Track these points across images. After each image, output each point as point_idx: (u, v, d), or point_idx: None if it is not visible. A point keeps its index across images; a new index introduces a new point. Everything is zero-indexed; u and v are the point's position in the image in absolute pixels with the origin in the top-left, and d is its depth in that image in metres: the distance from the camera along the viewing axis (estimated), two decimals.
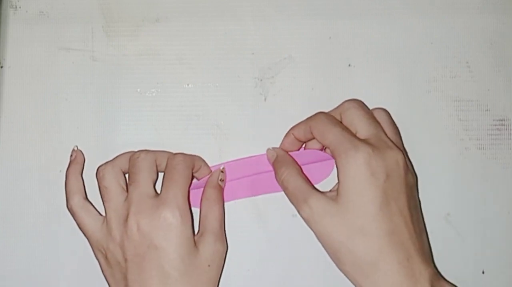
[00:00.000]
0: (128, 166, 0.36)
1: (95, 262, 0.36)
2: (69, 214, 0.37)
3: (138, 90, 0.40)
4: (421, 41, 0.40)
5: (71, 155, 0.38)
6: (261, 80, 0.40)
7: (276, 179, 0.36)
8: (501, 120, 0.39)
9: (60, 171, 0.39)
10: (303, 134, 0.37)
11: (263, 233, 0.39)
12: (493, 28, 0.40)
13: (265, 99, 0.40)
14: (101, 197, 0.36)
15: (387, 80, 0.40)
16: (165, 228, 0.33)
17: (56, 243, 0.39)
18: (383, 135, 0.34)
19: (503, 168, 0.39)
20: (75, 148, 0.39)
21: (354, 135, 0.34)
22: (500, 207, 0.39)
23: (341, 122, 0.36)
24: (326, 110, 0.39)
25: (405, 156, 0.34)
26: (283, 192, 0.36)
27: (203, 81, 0.40)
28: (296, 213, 0.38)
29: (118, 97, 0.40)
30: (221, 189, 0.37)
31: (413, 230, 0.32)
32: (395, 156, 0.33)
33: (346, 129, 0.34)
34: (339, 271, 0.38)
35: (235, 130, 0.39)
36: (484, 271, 0.38)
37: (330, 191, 0.37)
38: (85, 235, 0.36)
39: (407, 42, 0.40)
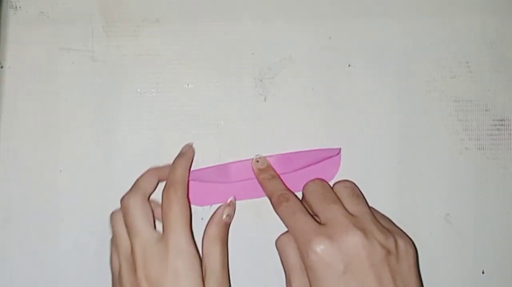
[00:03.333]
0: (122, 213, 0.35)
1: (96, 262, 0.36)
2: (72, 214, 0.37)
3: (138, 90, 0.40)
4: (421, 41, 0.40)
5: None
6: (261, 80, 0.40)
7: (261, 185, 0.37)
8: (501, 120, 0.39)
9: (60, 171, 0.39)
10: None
11: (263, 233, 0.39)
12: (493, 28, 0.40)
13: (265, 99, 0.40)
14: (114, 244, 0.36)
15: (387, 80, 0.40)
16: (174, 277, 0.33)
17: (56, 243, 0.39)
18: (363, 213, 0.34)
19: (503, 168, 0.39)
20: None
21: (313, 222, 0.33)
22: (500, 207, 0.39)
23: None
24: (326, 110, 0.39)
25: (373, 232, 0.33)
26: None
27: (203, 81, 0.40)
28: None
29: (118, 97, 0.40)
30: (225, 226, 0.37)
31: None
32: (352, 240, 0.32)
33: (311, 219, 0.34)
34: None
35: (235, 130, 0.39)
36: (484, 271, 0.38)
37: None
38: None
39: (407, 42, 0.40)
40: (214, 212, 0.37)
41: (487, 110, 0.40)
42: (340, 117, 0.39)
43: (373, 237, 0.32)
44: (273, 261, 0.38)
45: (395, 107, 0.39)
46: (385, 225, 0.34)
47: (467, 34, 0.40)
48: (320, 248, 0.31)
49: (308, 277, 0.33)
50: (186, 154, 0.38)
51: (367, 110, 0.39)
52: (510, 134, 0.39)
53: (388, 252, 0.32)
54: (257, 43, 0.40)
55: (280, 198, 0.35)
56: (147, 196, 0.36)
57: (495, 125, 0.39)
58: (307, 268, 0.32)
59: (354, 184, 0.37)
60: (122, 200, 0.35)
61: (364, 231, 0.32)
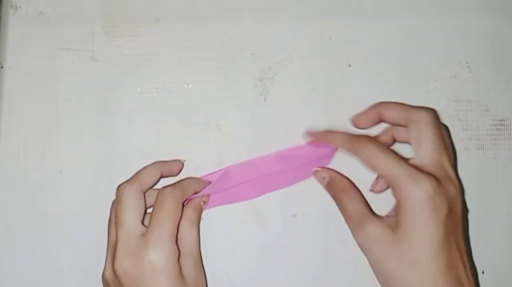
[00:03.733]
0: (115, 199, 0.35)
1: (96, 262, 0.36)
2: (70, 214, 0.37)
3: (138, 90, 0.40)
4: (421, 41, 0.40)
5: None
6: (261, 80, 0.40)
7: (335, 200, 0.36)
8: (501, 120, 0.39)
9: (60, 171, 0.39)
10: (345, 150, 0.36)
11: (263, 233, 0.39)
12: (493, 28, 0.40)
13: (265, 99, 0.40)
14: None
15: (387, 80, 0.40)
16: (151, 272, 0.32)
17: (56, 243, 0.39)
18: (446, 162, 0.33)
19: (503, 168, 0.39)
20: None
21: (412, 166, 0.33)
22: (500, 207, 0.39)
23: (393, 142, 0.36)
24: (326, 110, 0.39)
25: (461, 185, 0.34)
26: (287, 188, 0.37)
27: (203, 81, 0.40)
28: (296, 213, 0.38)
29: (118, 97, 0.40)
30: (201, 211, 0.37)
31: (468, 264, 0.32)
32: (455, 189, 0.33)
33: (401, 159, 0.33)
34: (338, 271, 0.38)
35: (235, 130, 0.39)
36: (484, 271, 0.38)
37: (387, 216, 0.35)
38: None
39: (407, 42, 0.40)
40: (192, 198, 0.37)
41: (487, 110, 0.40)
42: (340, 117, 0.39)
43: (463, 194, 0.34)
44: (273, 261, 0.38)
45: None
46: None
47: (467, 34, 0.40)
48: (432, 187, 0.31)
49: (399, 221, 0.32)
50: (204, 182, 0.38)
51: None
52: (510, 134, 0.39)
53: (467, 210, 0.36)
54: (257, 43, 0.40)
55: (362, 137, 0.35)
56: (144, 189, 0.35)
57: (495, 125, 0.39)
58: (406, 208, 0.32)
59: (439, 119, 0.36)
60: (118, 187, 0.35)
61: (460, 186, 0.33)
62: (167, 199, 0.34)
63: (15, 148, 0.39)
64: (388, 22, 0.40)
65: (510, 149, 0.39)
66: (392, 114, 0.36)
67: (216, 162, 0.39)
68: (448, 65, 0.40)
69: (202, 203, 0.37)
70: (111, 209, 0.36)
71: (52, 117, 0.40)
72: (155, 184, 0.36)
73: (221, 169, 0.38)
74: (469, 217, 0.38)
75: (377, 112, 0.37)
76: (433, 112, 0.35)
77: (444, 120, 0.39)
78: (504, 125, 0.39)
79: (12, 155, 0.39)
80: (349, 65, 0.40)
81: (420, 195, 0.31)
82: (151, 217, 0.34)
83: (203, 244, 0.37)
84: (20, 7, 0.41)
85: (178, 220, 0.34)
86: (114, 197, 0.37)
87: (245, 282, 0.38)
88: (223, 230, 0.38)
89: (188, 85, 0.40)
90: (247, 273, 0.38)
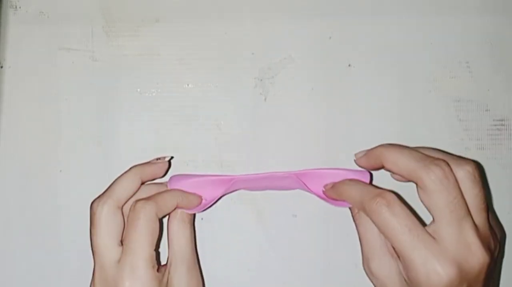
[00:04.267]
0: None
1: None
2: (70, 214, 0.37)
3: (138, 90, 0.40)
4: (421, 41, 0.40)
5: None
6: (261, 80, 0.40)
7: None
8: (501, 120, 0.39)
9: (60, 171, 0.39)
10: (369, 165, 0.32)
11: (263, 233, 0.39)
12: (493, 28, 0.40)
13: (265, 99, 0.40)
14: None
15: (387, 80, 0.40)
16: None
17: (56, 243, 0.39)
18: (468, 230, 0.29)
19: (503, 168, 0.39)
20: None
21: (429, 243, 0.29)
22: (500, 207, 0.39)
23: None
24: (326, 110, 0.39)
25: (492, 247, 0.30)
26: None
27: (203, 81, 0.40)
28: (296, 213, 0.39)
29: (118, 97, 0.40)
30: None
31: None
32: (479, 266, 0.29)
33: (418, 230, 0.29)
34: (338, 271, 0.38)
35: (235, 130, 0.39)
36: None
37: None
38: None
39: (407, 42, 0.40)
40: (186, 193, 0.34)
41: (487, 110, 0.40)
42: (340, 117, 0.39)
43: (493, 255, 0.30)
44: (273, 261, 0.38)
45: (395, 107, 0.39)
46: (490, 220, 0.31)
47: (467, 34, 0.40)
48: (448, 279, 0.28)
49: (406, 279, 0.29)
50: (187, 198, 0.34)
51: (367, 110, 0.39)
52: (510, 134, 0.39)
53: (495, 263, 0.30)
54: (257, 43, 0.40)
55: (377, 200, 0.30)
56: (121, 203, 0.32)
57: (495, 125, 0.39)
58: (414, 284, 0.29)
59: (480, 169, 0.32)
60: (91, 205, 0.32)
61: (490, 252, 0.29)
62: (139, 219, 0.31)
63: (15, 148, 0.39)
64: (388, 22, 0.40)
65: (510, 149, 0.39)
66: (398, 168, 0.31)
67: (216, 162, 0.39)
68: (448, 65, 0.40)
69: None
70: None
71: (52, 117, 0.40)
72: (133, 194, 0.34)
73: (229, 177, 0.35)
74: None
75: (380, 159, 0.32)
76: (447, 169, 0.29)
77: (444, 120, 0.39)
78: (504, 125, 0.39)
79: (12, 155, 0.39)
80: (349, 65, 0.40)
81: (434, 283, 0.28)
82: (124, 240, 0.31)
83: (203, 244, 0.37)
84: (20, 7, 0.41)
85: (156, 238, 0.31)
86: None
87: (245, 282, 0.38)
88: (223, 230, 0.38)
89: (188, 85, 0.40)
90: (247, 273, 0.38)
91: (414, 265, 0.28)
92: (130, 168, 0.34)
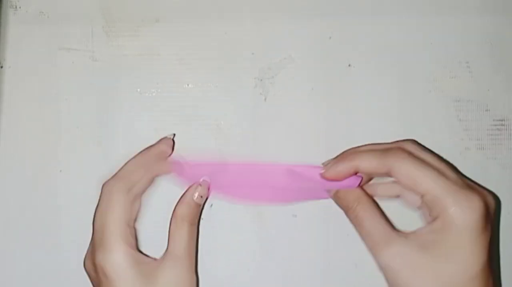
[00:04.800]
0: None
1: None
2: (70, 214, 0.37)
3: (138, 90, 0.40)
4: (421, 41, 0.40)
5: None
6: (261, 80, 0.40)
7: (346, 213, 0.32)
8: (501, 120, 0.39)
9: (60, 171, 0.39)
10: (374, 170, 0.31)
11: (263, 233, 0.39)
12: (493, 28, 0.40)
13: (265, 99, 0.40)
14: None
15: (387, 80, 0.40)
16: (104, 278, 0.32)
17: (56, 243, 0.39)
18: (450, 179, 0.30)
19: (503, 168, 0.39)
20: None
21: (458, 182, 0.30)
22: (500, 207, 0.39)
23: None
24: (326, 110, 0.39)
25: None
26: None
27: (203, 81, 0.40)
28: (296, 213, 0.38)
29: (118, 97, 0.40)
30: (196, 207, 0.34)
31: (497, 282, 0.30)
32: (493, 205, 0.30)
33: (442, 174, 0.30)
34: (338, 271, 0.38)
35: (235, 130, 0.39)
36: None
37: (413, 233, 0.31)
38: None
39: (407, 42, 0.40)
40: (185, 191, 0.34)
41: (487, 110, 0.40)
42: (340, 117, 0.39)
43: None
44: (273, 261, 0.38)
45: (395, 107, 0.39)
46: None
47: (467, 34, 0.40)
48: (484, 205, 0.28)
49: (440, 236, 0.29)
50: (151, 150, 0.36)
51: (367, 110, 0.39)
52: (510, 134, 0.39)
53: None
54: (257, 43, 0.40)
55: (398, 153, 0.31)
56: (134, 196, 0.34)
57: (495, 125, 0.39)
58: (451, 227, 0.28)
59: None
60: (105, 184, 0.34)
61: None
62: (104, 194, 0.33)
63: (15, 148, 0.39)
64: (388, 22, 0.40)
65: (510, 149, 0.39)
66: (367, 165, 0.31)
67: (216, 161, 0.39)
68: (448, 65, 0.40)
69: (197, 196, 0.34)
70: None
71: (52, 117, 0.40)
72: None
73: (220, 162, 0.36)
74: None
75: (350, 164, 0.32)
76: (411, 144, 0.32)
77: (444, 120, 0.39)
78: (504, 125, 0.39)
79: (12, 155, 0.39)
80: (349, 65, 0.40)
81: (469, 217, 0.28)
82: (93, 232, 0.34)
83: (203, 244, 0.37)
84: (20, 7, 0.41)
85: (128, 213, 0.32)
86: None
87: (245, 282, 0.38)
88: (223, 230, 0.38)
89: (188, 85, 0.40)
90: (247, 273, 0.38)
91: (447, 201, 0.28)
92: (138, 155, 0.35)
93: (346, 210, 0.32)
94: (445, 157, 0.39)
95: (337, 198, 0.33)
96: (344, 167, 0.32)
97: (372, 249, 0.30)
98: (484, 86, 0.40)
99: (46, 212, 0.39)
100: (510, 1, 0.40)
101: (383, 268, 0.30)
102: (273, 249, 0.39)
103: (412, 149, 0.31)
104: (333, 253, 0.38)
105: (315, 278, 0.38)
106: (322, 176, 0.33)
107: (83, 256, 0.37)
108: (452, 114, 0.40)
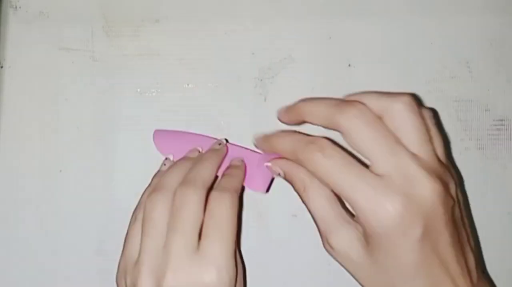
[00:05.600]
0: (173, 203, 0.30)
1: (95, 262, 0.36)
2: (72, 214, 0.37)
3: (138, 90, 0.40)
4: (421, 41, 0.40)
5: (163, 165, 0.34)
6: (261, 80, 0.40)
7: (300, 196, 0.31)
8: (501, 120, 0.39)
9: (60, 171, 0.39)
10: (321, 123, 0.29)
11: (263, 233, 0.39)
12: (493, 28, 0.40)
13: (265, 99, 0.40)
14: (142, 228, 0.30)
15: (387, 80, 0.40)
16: None
17: (56, 243, 0.39)
18: (407, 162, 0.26)
19: (503, 168, 0.39)
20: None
21: (374, 178, 0.26)
22: (500, 207, 0.39)
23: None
24: None
25: (443, 179, 0.27)
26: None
27: (203, 81, 0.40)
28: (296, 213, 0.39)
29: (118, 97, 0.40)
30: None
31: (459, 270, 0.27)
32: (431, 196, 0.26)
33: (360, 170, 0.27)
34: (339, 271, 0.38)
35: (235, 130, 0.39)
36: (484, 271, 0.38)
37: (356, 224, 0.29)
38: (123, 250, 0.31)
39: (407, 42, 0.40)
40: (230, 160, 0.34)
41: (487, 110, 0.40)
42: None
43: (447, 186, 0.27)
44: (273, 261, 0.38)
45: None
46: (442, 159, 0.28)
47: (467, 34, 0.40)
48: (395, 210, 0.25)
49: (367, 238, 0.27)
50: (241, 167, 0.34)
51: None
52: (510, 134, 0.39)
53: (454, 201, 0.27)
54: (257, 43, 0.40)
55: (310, 149, 0.28)
56: (207, 191, 0.31)
57: (495, 125, 0.39)
58: (371, 233, 0.27)
59: (418, 100, 0.28)
60: (182, 189, 0.30)
61: (441, 181, 0.26)
62: (227, 209, 0.29)
63: (15, 148, 0.39)
64: (388, 22, 0.40)
65: (510, 149, 0.39)
66: (316, 118, 0.29)
67: None
68: (448, 65, 0.40)
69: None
70: (152, 205, 0.30)
71: (52, 117, 0.40)
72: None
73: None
74: (469, 216, 0.38)
75: (298, 112, 0.30)
76: (411, 100, 0.27)
77: (444, 120, 0.39)
78: (504, 125, 0.39)
79: (12, 155, 0.39)
80: (349, 65, 0.40)
81: (382, 222, 0.26)
82: (207, 229, 0.29)
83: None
84: (20, 7, 0.41)
85: (236, 232, 0.30)
86: (114, 197, 0.37)
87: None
88: None
89: (188, 85, 0.40)
90: (247, 273, 0.38)
91: (359, 205, 0.26)
92: (208, 156, 0.33)
93: (298, 193, 0.31)
94: None
95: (288, 182, 0.31)
96: (290, 116, 0.30)
97: (320, 236, 0.29)
98: (484, 86, 0.40)
99: (46, 212, 0.39)
100: (510, 1, 0.40)
101: (332, 255, 0.29)
102: (273, 249, 0.39)
103: (372, 108, 0.27)
104: None
105: (315, 278, 0.38)
106: (256, 143, 0.32)
107: (83, 256, 0.37)
108: (452, 114, 0.40)
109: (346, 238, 0.28)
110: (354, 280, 0.38)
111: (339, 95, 0.39)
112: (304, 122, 0.31)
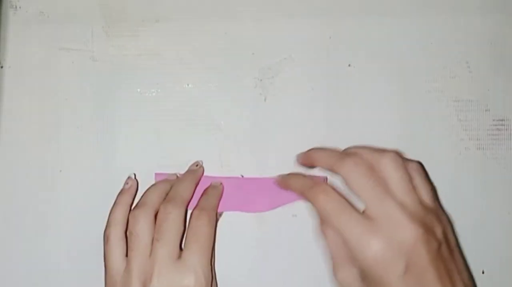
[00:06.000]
0: (158, 217, 0.35)
1: (95, 262, 0.36)
2: (72, 214, 0.37)
3: (138, 90, 0.40)
4: (421, 41, 0.40)
5: (126, 183, 0.38)
6: (261, 80, 0.40)
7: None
8: (501, 120, 0.39)
9: (60, 171, 0.39)
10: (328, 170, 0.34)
11: (263, 233, 0.39)
12: (493, 28, 0.40)
13: (265, 99, 0.40)
14: (128, 241, 0.35)
15: (387, 80, 0.40)
16: None
17: (56, 243, 0.39)
18: (391, 206, 0.31)
19: (503, 168, 0.39)
20: (132, 177, 0.38)
21: (362, 221, 0.31)
22: (500, 207, 0.39)
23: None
24: (326, 110, 0.39)
25: (427, 223, 0.31)
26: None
27: (203, 81, 0.40)
28: (296, 213, 0.39)
29: (118, 97, 0.40)
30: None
31: None
32: (412, 238, 0.30)
33: (353, 213, 0.31)
34: None
35: (235, 130, 0.39)
36: (484, 271, 0.38)
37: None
38: (106, 267, 0.35)
39: (407, 42, 0.40)
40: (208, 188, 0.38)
41: (487, 110, 0.40)
42: (340, 117, 0.39)
43: (430, 229, 0.31)
44: (273, 261, 0.38)
45: (395, 107, 0.39)
46: (430, 204, 0.32)
47: (467, 34, 0.40)
48: (379, 248, 0.30)
49: (363, 278, 0.31)
50: (218, 187, 0.38)
51: (367, 110, 0.39)
52: (510, 134, 0.39)
53: (440, 243, 0.31)
54: (257, 43, 0.40)
55: (316, 191, 0.33)
56: (186, 208, 0.36)
57: (495, 125, 0.39)
58: (361, 268, 0.31)
59: (401, 156, 0.33)
60: (165, 206, 0.35)
61: (423, 226, 0.30)
62: (206, 225, 0.35)
63: (15, 148, 0.39)
64: (388, 22, 0.40)
65: (510, 149, 0.39)
66: (322, 164, 0.35)
67: (216, 162, 0.39)
68: (448, 65, 0.40)
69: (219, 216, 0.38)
70: (134, 220, 0.34)
71: (52, 117, 0.40)
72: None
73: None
74: (469, 217, 0.38)
75: (310, 158, 0.36)
76: (398, 156, 0.33)
77: (444, 120, 0.39)
78: (504, 125, 0.39)
79: (12, 155, 0.39)
80: (349, 65, 0.40)
81: (368, 258, 0.30)
82: (186, 239, 0.34)
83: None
84: (20, 7, 0.41)
85: (213, 243, 0.35)
86: (114, 197, 0.37)
87: (245, 282, 0.38)
88: (223, 230, 0.38)
89: (188, 85, 0.40)
90: (247, 273, 0.38)
91: (351, 243, 0.31)
92: (186, 177, 0.38)
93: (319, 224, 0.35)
94: (445, 157, 0.39)
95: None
96: (304, 161, 0.37)
97: (332, 268, 0.34)
98: (484, 86, 0.40)
99: (46, 212, 0.39)
100: (510, 1, 0.40)
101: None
102: (273, 249, 0.38)
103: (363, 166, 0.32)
104: None
105: (315, 278, 0.38)
106: (276, 182, 0.38)
107: (83, 256, 0.37)
108: (452, 114, 0.40)
109: (349, 274, 0.32)
110: None
111: (339, 95, 0.39)
112: (315, 166, 0.37)
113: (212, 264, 0.35)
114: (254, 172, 0.39)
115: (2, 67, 0.40)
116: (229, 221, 0.38)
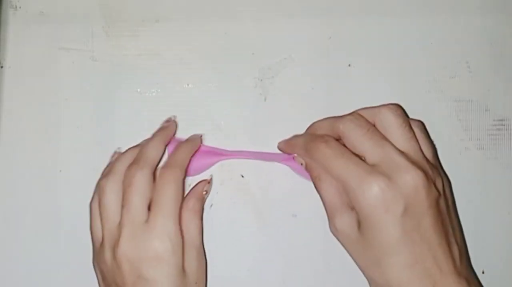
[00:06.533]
0: (123, 185, 0.34)
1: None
2: (72, 214, 0.37)
3: (138, 90, 0.40)
4: (421, 41, 0.40)
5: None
6: (261, 80, 0.40)
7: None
8: (501, 120, 0.39)
9: (60, 171, 0.39)
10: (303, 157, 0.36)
11: (263, 233, 0.39)
12: (493, 28, 0.40)
13: (265, 99, 0.40)
14: (100, 212, 0.35)
15: (387, 80, 0.40)
16: (154, 260, 0.32)
17: (56, 243, 0.39)
18: (392, 152, 0.31)
19: (503, 168, 0.39)
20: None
21: (363, 165, 0.31)
22: (500, 207, 0.39)
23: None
24: (326, 110, 0.39)
25: (428, 171, 0.31)
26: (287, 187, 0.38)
27: (203, 81, 0.40)
28: (296, 213, 0.39)
29: (118, 97, 0.40)
30: (203, 201, 0.37)
31: (441, 251, 0.31)
32: (413, 180, 0.30)
33: (354, 159, 0.32)
34: (338, 271, 0.38)
35: (235, 130, 0.39)
36: (484, 271, 0.38)
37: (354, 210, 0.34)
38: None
39: (407, 42, 0.40)
40: (194, 187, 0.37)
41: (487, 110, 0.40)
42: None
43: (430, 177, 0.31)
44: (273, 261, 0.38)
45: None
46: (431, 160, 0.33)
47: (467, 34, 0.40)
48: (379, 188, 0.30)
49: (359, 219, 0.31)
50: (194, 141, 0.38)
51: None
52: (510, 134, 0.39)
53: (439, 193, 0.31)
54: (257, 43, 0.40)
55: (317, 142, 0.33)
56: (153, 170, 0.35)
57: (495, 125, 0.39)
58: (360, 211, 0.31)
59: (403, 110, 0.34)
60: (129, 170, 0.34)
61: (423, 170, 0.31)
62: (170, 184, 0.33)
63: (15, 148, 0.39)
64: (388, 22, 0.40)
65: (510, 149, 0.39)
66: (323, 129, 0.35)
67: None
68: (448, 65, 0.40)
69: (205, 192, 0.37)
70: (101, 190, 0.35)
71: (52, 117, 0.40)
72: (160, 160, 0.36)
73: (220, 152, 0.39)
74: (469, 217, 0.38)
75: (312, 129, 0.37)
76: (397, 106, 0.33)
77: (444, 120, 0.39)
78: (504, 125, 0.39)
79: (12, 155, 0.39)
80: (349, 65, 0.40)
81: (368, 198, 0.30)
82: (154, 202, 0.33)
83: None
84: (20, 7, 0.41)
85: (181, 201, 0.34)
86: None
87: (245, 282, 0.38)
88: (223, 230, 0.38)
89: (188, 85, 0.40)
90: (247, 273, 0.38)
91: (350, 185, 0.31)
92: (155, 135, 0.37)
93: (313, 182, 0.35)
94: (445, 157, 0.39)
95: (308, 172, 0.36)
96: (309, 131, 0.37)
97: (328, 218, 0.34)
98: (484, 86, 0.40)
99: (46, 212, 0.39)
100: (510, 1, 0.40)
101: (335, 235, 0.34)
102: (273, 249, 0.39)
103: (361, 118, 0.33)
104: (333, 253, 0.38)
105: (315, 278, 0.38)
106: (279, 148, 0.38)
107: (83, 256, 0.37)
108: (452, 114, 0.40)
109: (346, 221, 0.33)
110: (353, 280, 0.38)
111: (339, 95, 0.39)
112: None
113: (193, 233, 0.35)
114: (254, 172, 0.39)
115: (2, 67, 0.40)
116: (229, 220, 0.38)
